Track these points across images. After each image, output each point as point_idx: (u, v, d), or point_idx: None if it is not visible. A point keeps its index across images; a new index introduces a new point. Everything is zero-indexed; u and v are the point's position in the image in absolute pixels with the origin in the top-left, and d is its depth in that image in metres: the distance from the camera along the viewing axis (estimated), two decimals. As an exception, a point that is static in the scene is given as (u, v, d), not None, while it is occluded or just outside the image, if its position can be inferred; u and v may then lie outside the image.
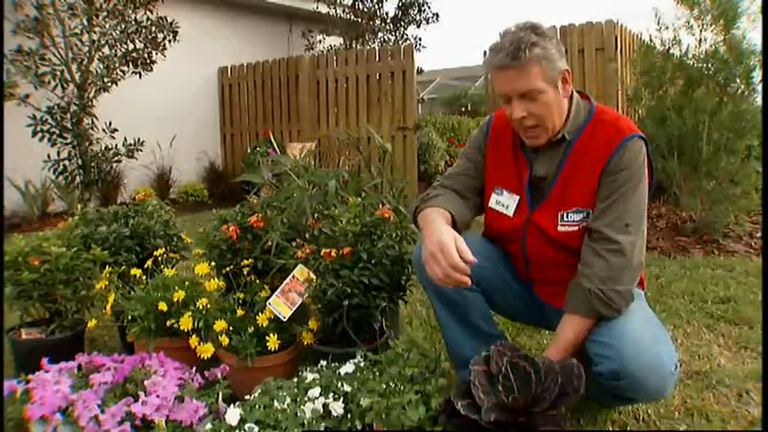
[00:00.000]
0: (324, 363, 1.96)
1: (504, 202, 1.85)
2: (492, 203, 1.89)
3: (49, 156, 6.16)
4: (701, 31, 4.74)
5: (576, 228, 1.74)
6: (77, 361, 2.04)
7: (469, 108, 20.45)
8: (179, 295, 2.21)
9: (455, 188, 1.92)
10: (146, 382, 1.87)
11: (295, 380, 1.86)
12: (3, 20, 5.58)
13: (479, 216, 2.01)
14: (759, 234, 4.86)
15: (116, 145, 6.54)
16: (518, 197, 1.83)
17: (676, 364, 1.63)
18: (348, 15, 9.94)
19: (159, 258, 2.46)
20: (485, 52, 8.46)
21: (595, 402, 1.93)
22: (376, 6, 10.15)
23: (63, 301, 2.38)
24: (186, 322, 2.14)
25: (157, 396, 1.80)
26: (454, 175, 1.97)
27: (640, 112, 5.20)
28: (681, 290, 3.38)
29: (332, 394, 1.72)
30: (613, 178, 1.68)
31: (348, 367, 1.86)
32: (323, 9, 9.76)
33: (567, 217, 1.74)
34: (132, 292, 2.32)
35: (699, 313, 3.02)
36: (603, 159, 1.69)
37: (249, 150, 8.05)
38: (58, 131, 6.10)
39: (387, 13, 10.37)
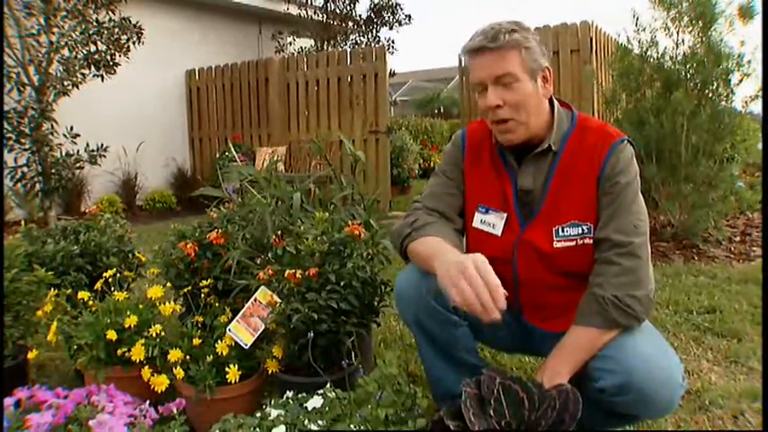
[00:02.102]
0: (290, 394, 1.79)
1: (490, 220, 1.70)
2: (476, 223, 1.73)
3: (5, 162, 5.88)
4: (678, 33, 4.66)
5: (572, 243, 1.60)
6: (15, 396, 1.83)
7: (442, 110, 20.41)
8: (131, 321, 2.03)
9: (441, 210, 1.75)
10: (91, 422, 1.68)
11: (258, 415, 1.68)
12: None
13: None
14: (738, 238, 4.82)
15: (78, 151, 6.26)
16: (506, 214, 1.68)
17: (684, 376, 1.50)
18: (320, 17, 9.78)
19: (110, 280, 2.26)
20: (459, 54, 8.34)
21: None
22: (348, 8, 10.00)
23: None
24: (138, 352, 1.95)
25: (102, 439, 1.61)
26: (436, 196, 1.78)
27: (617, 114, 5.11)
28: (665, 299, 3.28)
29: (297, 433, 1.55)
30: (612, 184, 1.58)
31: (316, 401, 1.69)
32: (293, 10, 9.58)
33: (563, 231, 1.61)
34: (81, 317, 2.13)
35: (685, 325, 2.92)
36: (597, 167, 1.59)
37: (218, 155, 7.83)
38: (14, 137, 5.82)
39: (360, 16, 10.23)
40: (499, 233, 1.68)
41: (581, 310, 1.55)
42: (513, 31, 1.54)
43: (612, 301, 1.49)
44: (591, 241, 1.60)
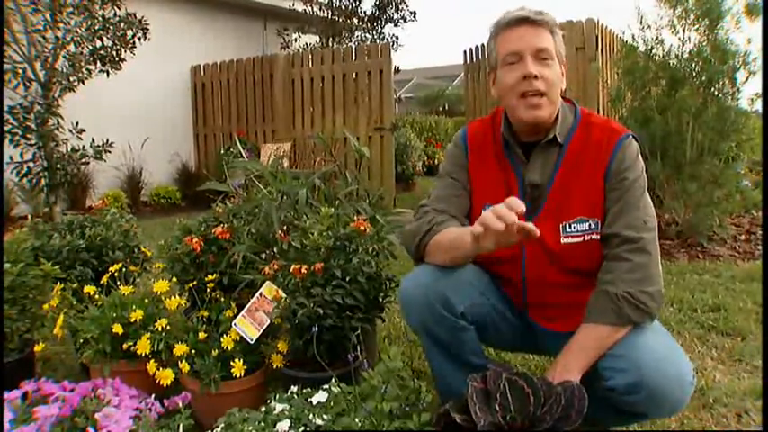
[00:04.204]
0: (295, 388, 1.80)
1: None
2: None
3: (11, 157, 5.89)
4: (684, 30, 4.65)
5: (579, 239, 1.60)
6: (22, 389, 1.85)
7: (447, 107, 20.37)
8: (137, 315, 2.03)
9: (451, 213, 1.73)
10: (97, 415, 1.69)
11: (263, 409, 1.69)
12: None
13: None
14: (743, 237, 4.81)
15: (83, 146, 6.27)
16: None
17: (694, 375, 1.50)
18: (325, 13, 9.77)
19: (116, 274, 2.27)
20: (464, 51, 8.29)
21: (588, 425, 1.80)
22: (353, 4, 9.99)
23: (9, 323, 2.17)
24: (144, 346, 1.96)
25: (108, 432, 1.62)
26: (444, 198, 1.76)
27: (622, 112, 5.09)
28: (669, 297, 3.27)
29: (302, 428, 1.55)
30: (620, 179, 1.58)
31: (321, 396, 1.70)
32: (299, 7, 9.58)
33: (570, 227, 1.61)
34: (87, 311, 2.13)
35: (689, 323, 2.91)
36: (603, 162, 1.59)
37: (222, 151, 7.84)
38: (20, 132, 5.83)
39: (364, 12, 10.21)
40: None
41: (591, 307, 1.54)
42: (548, 15, 1.58)
43: (625, 298, 1.49)
44: (597, 237, 1.60)
